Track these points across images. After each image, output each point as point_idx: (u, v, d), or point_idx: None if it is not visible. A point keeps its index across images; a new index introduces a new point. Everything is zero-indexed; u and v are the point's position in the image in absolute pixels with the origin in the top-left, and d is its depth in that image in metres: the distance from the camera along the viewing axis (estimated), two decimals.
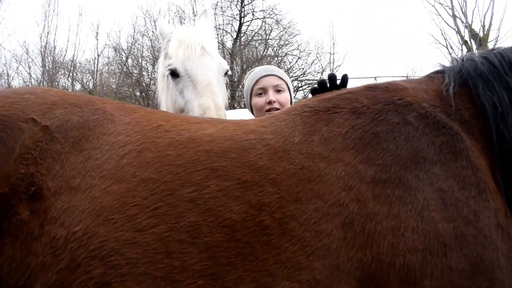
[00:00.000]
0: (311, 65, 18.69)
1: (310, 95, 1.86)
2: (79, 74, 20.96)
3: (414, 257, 1.33)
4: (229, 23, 19.09)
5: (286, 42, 18.99)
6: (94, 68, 20.37)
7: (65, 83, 20.30)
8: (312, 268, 1.31)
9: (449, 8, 15.61)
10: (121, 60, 18.89)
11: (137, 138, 1.53)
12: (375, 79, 20.65)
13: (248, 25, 19.42)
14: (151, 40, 18.38)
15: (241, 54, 18.61)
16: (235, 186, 1.37)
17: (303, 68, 18.83)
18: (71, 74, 20.67)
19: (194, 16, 17.72)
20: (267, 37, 19.12)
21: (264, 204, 1.35)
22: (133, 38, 19.00)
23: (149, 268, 1.29)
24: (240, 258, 1.30)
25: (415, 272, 1.33)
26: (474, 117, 1.58)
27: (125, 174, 1.43)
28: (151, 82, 18.54)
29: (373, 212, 1.36)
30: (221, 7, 18.78)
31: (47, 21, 21.73)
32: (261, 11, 19.00)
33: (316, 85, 1.70)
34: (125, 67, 18.33)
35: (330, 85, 1.66)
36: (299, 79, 18.37)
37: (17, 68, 21.38)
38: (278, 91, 2.70)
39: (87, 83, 20.47)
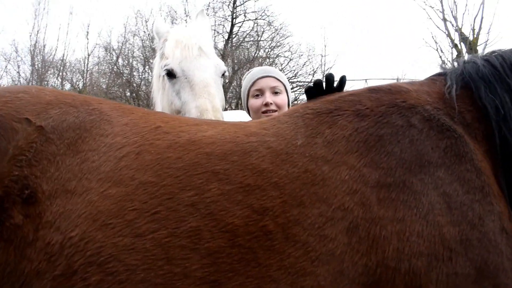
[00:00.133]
0: (302, 67, 18.74)
1: (304, 95, 1.82)
2: (68, 74, 20.75)
3: (419, 262, 1.31)
4: (220, 24, 19.05)
5: (278, 44, 19.02)
6: (84, 67, 20.17)
7: (55, 83, 20.06)
8: (316, 274, 1.28)
9: (440, 11, 15.79)
10: (111, 60, 18.73)
11: (135, 139, 1.49)
12: (366, 81, 20.79)
13: (240, 26, 19.41)
14: (142, 40, 18.26)
15: (233, 55, 18.57)
16: (237, 190, 1.34)
17: (294, 70, 18.87)
18: (60, 73, 20.43)
19: (186, 16, 17.66)
20: (259, 38, 19.13)
21: (267, 208, 1.32)
22: (124, 38, 18.86)
23: (149, 275, 1.25)
24: (243, 264, 1.26)
25: (421, 277, 1.31)
26: (476, 119, 1.57)
27: (123, 177, 1.38)
28: (142, 82, 18.41)
29: (378, 216, 1.34)
30: (213, 8, 18.73)
31: (37, 19, 21.48)
32: (253, 12, 19.01)
33: (311, 85, 1.66)
34: (115, 67, 18.17)
35: (326, 86, 1.63)
36: (290, 80, 18.37)
37: (6, 66, 21.09)
38: (276, 93, 2.67)
39: (77, 82, 20.26)
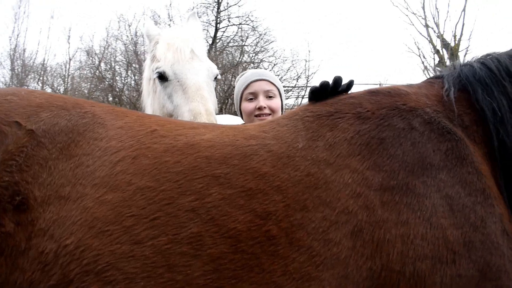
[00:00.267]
0: (286, 72, 18.80)
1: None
2: (49, 78, 20.35)
3: (423, 265, 1.30)
4: (204, 29, 18.96)
5: (262, 49, 19.05)
6: (66, 72, 19.81)
7: (35, 87, 19.65)
8: (321, 279, 1.26)
9: (422, 18, 16.09)
10: (93, 64, 18.44)
11: (131, 143, 1.44)
12: None
13: (224, 31, 19.38)
14: (125, 45, 18.05)
15: (217, 60, 18.51)
16: (238, 194, 1.31)
17: (278, 75, 18.89)
18: (41, 78, 20.03)
19: (170, 21, 17.55)
20: (243, 43, 19.14)
21: (270, 212, 1.29)
22: (107, 42, 18.61)
23: (149, 283, 1.20)
24: (246, 270, 1.23)
25: (425, 280, 1.30)
26: (474, 122, 1.58)
27: (120, 182, 1.33)
28: (125, 87, 18.18)
29: (381, 219, 1.32)
30: (197, 13, 18.60)
31: (17, 23, 21.03)
32: (237, 17, 19.00)
33: (317, 86, 1.63)
34: (97, 72, 17.90)
35: (334, 88, 1.60)
36: None
37: None
38: (270, 97, 2.63)
39: (58, 87, 19.88)
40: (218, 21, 19.11)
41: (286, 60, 18.82)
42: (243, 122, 2.76)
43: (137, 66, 17.42)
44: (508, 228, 1.42)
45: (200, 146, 1.42)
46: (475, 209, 1.39)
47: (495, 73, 1.63)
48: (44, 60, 20.40)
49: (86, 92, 18.44)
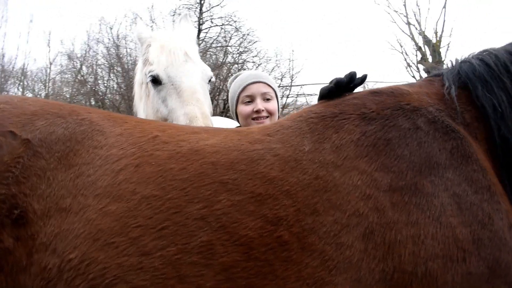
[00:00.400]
0: (271, 71, 18.81)
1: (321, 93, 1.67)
2: (30, 83, 19.91)
3: (435, 265, 1.30)
4: None
5: (246, 49, 19.01)
6: (46, 76, 19.40)
7: (15, 93, 19.21)
8: (334, 283, 1.24)
9: (404, 15, 16.30)
10: (75, 68, 18.11)
11: (132, 151, 1.40)
12: None
13: (207, 32, 19.27)
14: (107, 47, 17.78)
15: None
16: (248, 200, 1.28)
17: None
18: (21, 83, 19.59)
19: (152, 23, 17.36)
20: (227, 44, 19.07)
21: (281, 218, 1.26)
22: (88, 45, 18.30)
23: None
24: (260, 278, 1.20)
25: (437, 279, 1.30)
26: (475, 119, 1.58)
27: (124, 192, 1.29)
28: (107, 90, 17.91)
29: (392, 220, 1.31)
30: (179, 14, 18.48)
31: None
32: (219, 18, 18.92)
33: (332, 85, 1.61)
34: (79, 75, 17.60)
35: (348, 84, 1.58)
36: None
37: None
38: (267, 99, 2.59)
39: (39, 92, 19.47)
40: (200, 22, 18.99)
41: (270, 60, 18.82)
42: (238, 125, 2.72)
43: (119, 69, 17.18)
44: None
45: (205, 151, 1.39)
46: (482, 206, 1.39)
47: (494, 69, 1.63)
48: (24, 65, 19.95)
49: (68, 96, 18.10)
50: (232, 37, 19.38)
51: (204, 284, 1.18)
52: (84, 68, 18.32)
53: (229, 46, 19.44)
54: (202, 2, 18.74)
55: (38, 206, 1.27)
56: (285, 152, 1.40)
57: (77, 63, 18.27)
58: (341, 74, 1.74)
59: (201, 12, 18.71)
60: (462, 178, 1.42)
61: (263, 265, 1.21)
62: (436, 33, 15.11)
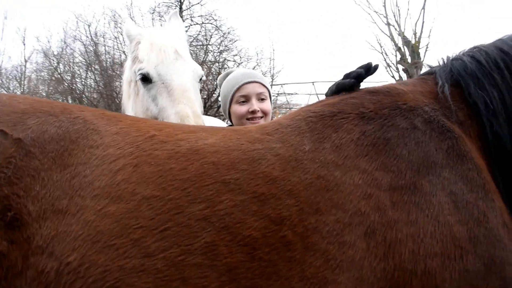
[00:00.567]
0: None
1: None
2: (4, 81, 19.31)
3: (434, 263, 1.32)
4: None
5: (226, 48, 18.95)
6: (22, 74, 18.88)
7: None
8: (338, 282, 1.24)
9: (384, 16, 16.56)
10: (51, 65, 17.68)
11: (130, 150, 1.36)
12: (313, 84, 21.30)
13: (187, 31, 19.12)
14: (84, 45, 17.42)
15: None
16: (251, 200, 1.26)
17: None
18: None
19: (132, 20, 17.12)
20: (207, 42, 18.96)
21: (285, 217, 1.26)
22: (65, 43, 17.88)
23: None
24: (264, 278, 1.19)
25: (436, 277, 1.31)
26: (468, 117, 1.60)
27: (123, 193, 1.26)
28: (85, 89, 17.56)
29: (393, 219, 1.32)
30: (159, 12, 18.28)
31: None
32: (199, 16, 18.80)
33: (352, 80, 1.62)
34: (56, 73, 17.18)
35: (365, 76, 1.61)
36: None
37: None
38: (262, 99, 2.56)
39: (14, 90, 18.92)
40: None
41: (250, 59, 18.83)
42: (230, 124, 2.69)
43: (97, 67, 16.86)
44: (507, 221, 1.46)
45: (205, 151, 1.37)
46: (477, 204, 1.42)
47: (485, 66, 1.65)
48: None
49: (44, 94, 17.67)
50: (212, 36, 19.29)
51: (208, 286, 1.16)
52: (61, 65, 17.90)
53: (210, 44, 19.33)
54: (182, 0, 18.58)
55: (33, 208, 1.23)
56: (286, 151, 1.40)
57: (53, 60, 17.84)
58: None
59: (181, 10, 18.55)
60: (458, 177, 1.44)
61: (267, 265, 1.20)
62: (415, 34, 15.43)
